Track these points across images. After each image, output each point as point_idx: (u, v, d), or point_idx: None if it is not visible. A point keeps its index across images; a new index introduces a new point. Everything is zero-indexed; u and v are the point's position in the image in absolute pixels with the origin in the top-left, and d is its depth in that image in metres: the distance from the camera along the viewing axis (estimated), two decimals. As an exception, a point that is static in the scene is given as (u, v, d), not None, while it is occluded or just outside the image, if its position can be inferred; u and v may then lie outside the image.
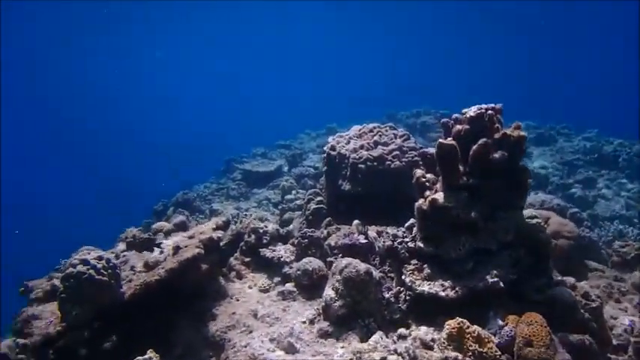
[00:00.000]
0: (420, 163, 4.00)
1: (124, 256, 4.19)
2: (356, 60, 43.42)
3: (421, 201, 2.93)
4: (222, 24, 29.31)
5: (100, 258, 2.92)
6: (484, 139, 2.69)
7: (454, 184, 2.79)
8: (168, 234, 4.41)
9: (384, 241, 3.17)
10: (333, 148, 4.43)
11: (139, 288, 3.00)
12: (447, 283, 2.63)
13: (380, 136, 4.38)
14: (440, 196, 2.81)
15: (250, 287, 3.74)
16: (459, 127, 2.90)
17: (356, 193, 4.15)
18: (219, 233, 3.81)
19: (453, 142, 2.76)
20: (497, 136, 2.73)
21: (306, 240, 3.74)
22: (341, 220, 4.28)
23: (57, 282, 3.49)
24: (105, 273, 2.87)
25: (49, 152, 36.80)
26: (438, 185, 2.94)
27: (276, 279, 3.73)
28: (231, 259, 4.12)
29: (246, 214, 5.47)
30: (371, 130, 4.50)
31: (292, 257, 3.80)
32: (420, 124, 10.27)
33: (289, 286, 3.51)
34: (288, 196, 7.15)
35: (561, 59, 37.05)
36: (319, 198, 4.51)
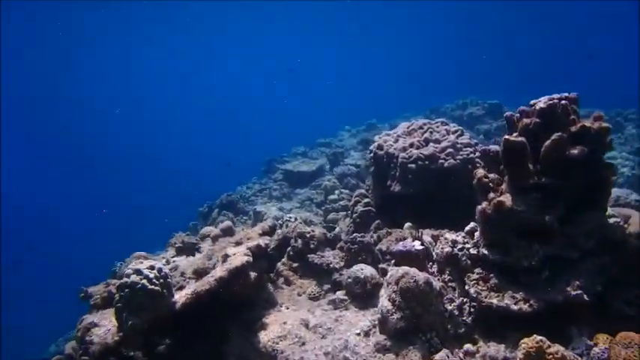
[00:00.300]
0: (480, 161, 3.71)
1: (174, 261, 4.23)
2: (388, 54, 42.51)
3: (485, 204, 2.67)
4: (256, 24, 29.58)
5: (152, 267, 2.92)
6: (559, 134, 2.38)
7: (523, 184, 2.50)
8: (215, 239, 4.41)
9: (442, 248, 2.93)
10: (380, 148, 4.22)
11: (190, 298, 2.97)
12: (518, 295, 2.36)
13: (431, 132, 4.12)
14: (507, 199, 2.53)
15: (299, 294, 3.64)
16: (526, 120, 2.60)
17: (406, 195, 3.93)
18: (267, 239, 3.74)
19: (522, 139, 2.48)
20: (574, 129, 2.41)
21: (356, 245, 3.58)
22: (391, 223, 4.08)
23: (113, 289, 3.57)
24: (157, 283, 2.86)
25: (64, 160, 37.18)
26: (504, 186, 2.66)
27: (326, 286, 3.60)
28: (279, 264, 4.04)
29: (290, 217, 5.39)
30: (421, 127, 4.24)
31: (342, 263, 3.65)
32: (466, 116, 9.75)
33: (340, 294, 3.36)
34: (332, 196, 7.00)
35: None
36: (366, 200, 4.32)
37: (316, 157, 10.48)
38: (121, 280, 2.89)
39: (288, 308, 3.40)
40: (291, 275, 3.91)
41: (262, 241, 3.62)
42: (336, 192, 7.12)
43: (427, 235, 3.41)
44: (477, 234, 2.86)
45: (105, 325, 2.99)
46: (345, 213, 6.26)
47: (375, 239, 3.78)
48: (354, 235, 3.67)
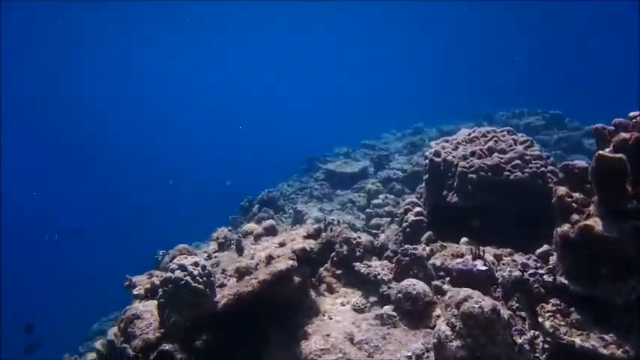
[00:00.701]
0: (552, 176, 3.35)
1: (216, 257, 4.17)
2: (433, 58, 41.33)
3: (566, 227, 2.35)
4: (306, 22, 29.56)
5: (196, 264, 2.84)
6: (670, 153, 2.03)
7: (619, 208, 2.16)
8: (257, 238, 4.31)
9: (509, 271, 2.62)
10: (437, 154, 3.93)
11: (232, 298, 2.86)
12: (609, 338, 2.03)
13: (496, 141, 3.78)
14: (596, 223, 2.20)
15: (343, 304, 3.44)
16: (624, 135, 2.25)
17: (464, 207, 3.62)
18: (311, 243, 3.57)
19: (622, 155, 2.14)
20: (689, 148, 2.05)
21: (407, 258, 3.32)
22: (445, 236, 3.79)
23: (156, 280, 3.54)
24: (201, 280, 2.77)
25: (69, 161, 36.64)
26: (592, 208, 2.32)
27: (372, 298, 3.38)
28: (321, 269, 3.86)
29: (333, 220, 5.21)
30: (484, 135, 3.91)
31: (390, 275, 3.42)
32: (523, 125, 9.13)
33: (388, 309, 3.13)
34: (376, 201, 6.75)
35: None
36: (418, 209, 4.05)
37: (359, 159, 10.24)
38: (165, 275, 2.83)
39: (331, 318, 3.21)
40: (334, 282, 3.72)
41: (307, 245, 3.46)
42: (381, 197, 6.86)
43: (488, 253, 3.10)
44: (552, 259, 2.54)
45: (147, 319, 2.94)
46: (389, 219, 6.00)
47: (428, 252, 3.51)
48: (406, 246, 3.42)
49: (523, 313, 2.49)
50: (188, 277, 2.74)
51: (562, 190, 2.49)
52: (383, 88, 47.67)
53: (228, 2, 23.52)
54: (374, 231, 5.86)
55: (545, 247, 2.65)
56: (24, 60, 25.46)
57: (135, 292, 3.49)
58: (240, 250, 3.94)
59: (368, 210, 6.56)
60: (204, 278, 2.83)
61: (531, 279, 2.50)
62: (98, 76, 34.61)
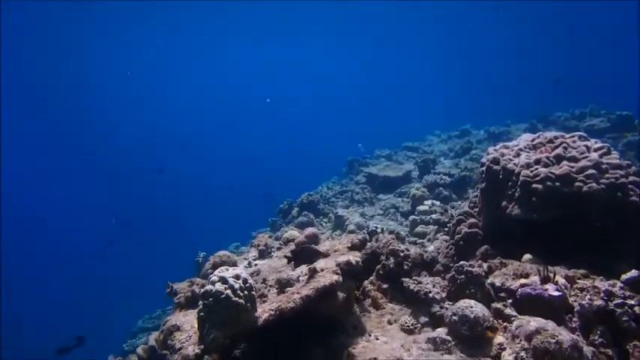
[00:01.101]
0: (635, 188, 2.92)
1: (256, 264, 4.06)
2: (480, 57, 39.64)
3: (666, 252, 1.97)
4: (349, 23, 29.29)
5: (237, 277, 2.71)
6: None
7: None
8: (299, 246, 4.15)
9: (590, 299, 2.27)
10: (495, 162, 3.58)
11: (273, 315, 2.70)
12: None
13: (565, 148, 3.37)
14: None
15: (390, 322, 3.19)
16: None
17: (528, 220, 3.25)
18: (357, 256, 3.35)
19: None
20: None
21: (463, 276, 3.02)
22: (503, 251, 3.44)
23: (196, 289, 3.48)
24: (242, 295, 2.64)
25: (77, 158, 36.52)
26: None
27: (423, 318, 3.11)
28: (366, 282, 3.64)
29: (377, 227, 4.96)
30: (550, 141, 3.52)
31: (443, 294, 3.13)
32: (584, 128, 8.37)
33: (441, 332, 2.85)
34: (421, 207, 6.41)
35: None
36: (472, 220, 3.71)
37: (402, 162, 9.89)
38: (206, 287, 2.72)
39: (378, 339, 2.98)
40: (379, 297, 3.48)
41: (353, 258, 3.24)
42: (427, 203, 6.51)
43: (559, 275, 2.74)
44: (645, 288, 2.16)
45: (187, 330, 2.86)
46: (435, 227, 5.66)
47: (485, 270, 3.18)
48: (461, 262, 3.11)
49: (609, 351, 2.13)
50: (229, 291, 2.61)
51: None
52: (420, 89, 46.44)
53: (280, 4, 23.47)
54: (419, 240, 5.55)
55: (635, 272, 2.28)
56: (24, 60, 25.49)
57: (176, 300, 3.44)
58: (280, 258, 3.81)
59: (413, 217, 6.24)
60: (246, 292, 2.69)
61: (618, 310, 2.15)
62: (98, 75, 33.52)
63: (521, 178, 3.33)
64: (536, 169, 3.31)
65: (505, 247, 3.42)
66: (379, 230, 4.82)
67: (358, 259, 3.27)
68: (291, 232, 4.36)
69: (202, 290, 2.76)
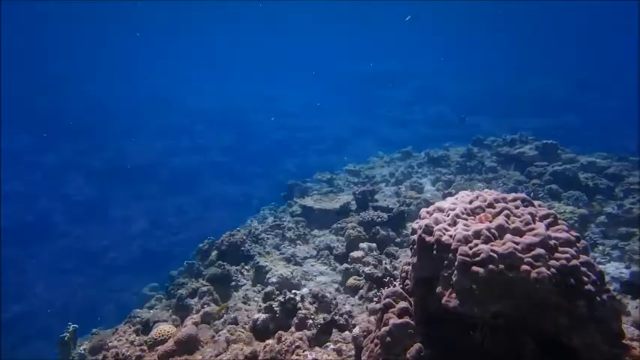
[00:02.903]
0: (588, 272, 2.33)
1: None
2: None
3: None
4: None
5: None
6: None
7: None
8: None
9: None
10: (428, 231, 2.88)
11: None
12: None
13: (507, 217, 2.74)
14: None
15: None
16: None
17: (467, 315, 2.57)
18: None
19: None
20: None
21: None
22: (442, 349, 2.73)
23: None
24: None
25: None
26: None
27: None
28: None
29: (296, 294, 4.12)
30: (490, 205, 2.88)
31: None
32: (514, 155, 8.16)
33: None
34: (355, 253, 5.70)
35: None
36: (402, 304, 2.98)
37: (342, 188, 9.23)
38: None
39: None
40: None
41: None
42: (362, 246, 5.81)
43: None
44: None
45: None
46: (368, 283, 4.95)
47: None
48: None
49: None
50: None
51: None
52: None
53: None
54: (349, 298, 4.81)
55: None
56: (24, 60, 24.96)
57: None
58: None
59: (346, 265, 5.50)
60: None
61: None
62: (97, 76, 32.70)
63: (458, 257, 2.64)
64: (476, 245, 2.64)
65: (441, 346, 2.72)
66: (298, 299, 3.98)
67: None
68: (162, 328, 3.38)
69: None
